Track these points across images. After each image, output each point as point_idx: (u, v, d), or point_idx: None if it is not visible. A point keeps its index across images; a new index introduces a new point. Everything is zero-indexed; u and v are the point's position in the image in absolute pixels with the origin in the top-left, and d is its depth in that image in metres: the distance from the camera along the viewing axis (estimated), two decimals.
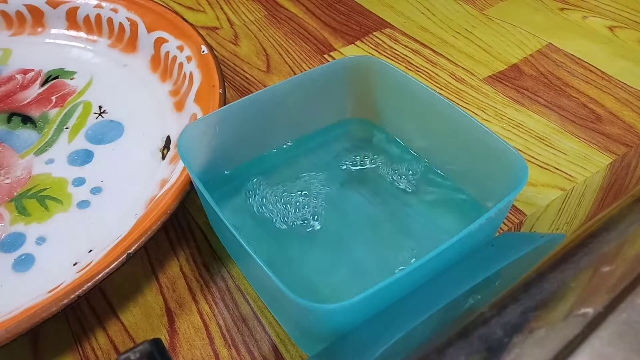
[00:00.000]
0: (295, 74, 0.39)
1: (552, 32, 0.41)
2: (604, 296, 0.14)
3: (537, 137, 0.33)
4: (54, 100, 0.37)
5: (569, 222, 0.29)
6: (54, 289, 0.25)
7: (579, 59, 0.39)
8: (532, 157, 0.32)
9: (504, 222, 0.29)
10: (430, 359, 0.14)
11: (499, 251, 0.22)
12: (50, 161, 0.33)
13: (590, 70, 0.38)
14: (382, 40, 0.42)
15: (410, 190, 0.29)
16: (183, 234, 0.30)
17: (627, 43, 0.40)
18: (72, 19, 0.42)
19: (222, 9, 0.47)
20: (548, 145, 0.33)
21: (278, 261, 0.26)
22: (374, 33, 0.43)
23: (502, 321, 0.14)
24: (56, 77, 0.39)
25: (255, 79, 0.39)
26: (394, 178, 0.30)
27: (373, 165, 0.31)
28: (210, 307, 0.26)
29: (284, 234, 0.27)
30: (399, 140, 0.31)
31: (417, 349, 0.15)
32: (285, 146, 0.31)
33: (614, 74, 0.38)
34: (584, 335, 0.13)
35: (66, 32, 0.42)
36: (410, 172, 0.30)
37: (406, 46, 0.41)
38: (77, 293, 0.23)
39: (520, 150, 0.31)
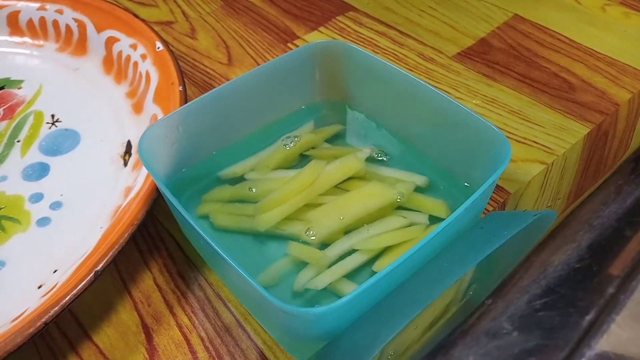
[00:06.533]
0: (258, 65, 0.38)
1: (516, 3, 0.41)
2: (612, 275, 0.13)
3: (512, 111, 0.33)
4: (1, 112, 0.35)
5: (553, 196, 0.29)
6: (18, 317, 0.24)
7: (546, 28, 0.38)
8: (509, 132, 0.32)
9: (488, 203, 0.28)
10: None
11: (489, 233, 0.22)
12: (3, 178, 0.31)
13: (559, 39, 0.38)
14: (346, 25, 0.40)
15: (388, 172, 0.28)
16: (154, 244, 0.28)
17: (591, 10, 0.40)
18: (14, 24, 0.39)
19: (175, 1, 0.45)
20: (524, 119, 0.32)
21: (258, 262, 0.25)
22: (337, 17, 0.41)
23: (508, 313, 0.13)
24: (2, 88, 0.37)
25: (217, 73, 0.38)
26: (370, 160, 0.28)
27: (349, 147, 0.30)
28: (189, 319, 0.25)
29: (262, 232, 0.26)
30: (373, 121, 0.30)
31: (422, 349, 0.14)
32: (253, 137, 0.30)
33: (581, 41, 0.37)
34: (599, 320, 0.12)
35: (9, 38, 0.40)
36: (387, 153, 0.29)
37: (371, 28, 0.40)
38: (43, 320, 0.22)
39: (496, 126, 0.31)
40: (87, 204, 0.29)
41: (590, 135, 0.31)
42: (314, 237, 0.25)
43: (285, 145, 0.29)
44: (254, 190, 0.27)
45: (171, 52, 0.33)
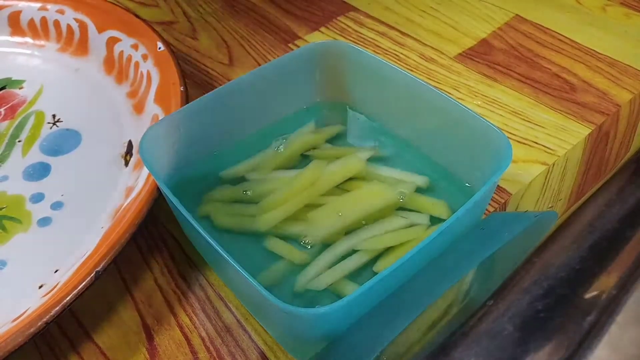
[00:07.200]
0: (259, 65, 0.38)
1: (517, 4, 0.41)
2: (613, 276, 0.13)
3: (513, 112, 0.33)
4: (2, 112, 0.35)
5: (554, 197, 0.29)
6: (19, 316, 0.24)
7: (547, 28, 0.38)
8: (510, 132, 0.32)
9: (489, 203, 0.28)
10: None
11: (490, 234, 0.22)
12: (4, 178, 0.31)
13: (560, 40, 0.37)
14: (347, 25, 0.40)
15: (389, 173, 0.28)
16: (155, 244, 0.28)
17: (592, 10, 0.40)
18: (15, 24, 0.39)
19: (176, 1, 0.45)
20: (525, 120, 0.32)
21: (258, 262, 0.25)
22: (338, 18, 0.41)
23: (509, 314, 0.13)
24: (3, 88, 0.37)
25: (218, 74, 0.38)
26: (371, 160, 0.28)
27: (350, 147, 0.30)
28: (190, 319, 0.25)
29: (263, 232, 0.26)
30: (374, 121, 0.30)
31: (423, 350, 0.14)
32: (254, 137, 0.30)
33: (582, 41, 0.37)
34: (600, 322, 0.12)
35: (10, 38, 0.39)
36: (388, 154, 0.29)
37: (372, 29, 0.40)
38: (44, 320, 0.22)
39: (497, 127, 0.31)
40: (88, 204, 0.29)
41: (592, 136, 0.31)
42: (309, 247, 0.25)
43: (276, 147, 0.29)
44: (248, 193, 0.27)
45: (172, 52, 0.33)
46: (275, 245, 0.25)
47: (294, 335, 0.21)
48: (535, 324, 0.13)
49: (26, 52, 0.39)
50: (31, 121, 0.34)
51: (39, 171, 0.31)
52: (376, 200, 0.26)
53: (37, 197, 0.30)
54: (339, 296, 0.23)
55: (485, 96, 0.34)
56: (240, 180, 0.28)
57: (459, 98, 0.34)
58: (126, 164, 0.31)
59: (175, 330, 0.25)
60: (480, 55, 0.37)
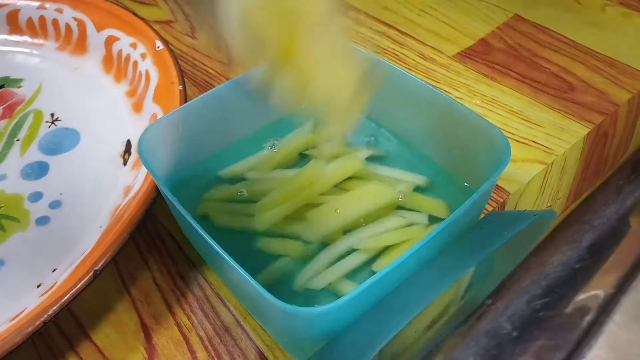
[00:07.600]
0: None
1: (516, 3, 0.41)
2: (612, 276, 0.13)
3: (512, 111, 0.33)
4: (1, 111, 0.35)
5: (552, 196, 0.29)
6: (17, 316, 0.24)
7: (546, 28, 0.38)
8: (509, 132, 0.32)
9: (488, 202, 0.28)
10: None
11: (489, 233, 0.22)
12: (2, 177, 0.31)
13: (559, 39, 0.37)
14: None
15: (388, 172, 0.28)
16: (153, 243, 0.28)
17: (591, 10, 0.40)
18: (13, 22, 0.39)
19: (175, 1, 0.45)
20: (524, 119, 0.32)
21: (257, 262, 0.25)
22: None
23: (508, 313, 0.13)
24: (1, 86, 0.37)
25: (217, 73, 0.38)
26: (370, 160, 0.28)
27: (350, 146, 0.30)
28: (189, 318, 0.25)
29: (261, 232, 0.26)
30: (373, 121, 0.30)
31: (421, 349, 0.14)
32: (253, 136, 0.30)
33: (581, 41, 0.37)
34: (599, 321, 0.12)
35: (8, 37, 0.39)
36: (387, 153, 0.29)
37: (371, 28, 0.40)
38: (42, 319, 0.22)
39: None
40: (86, 203, 0.29)
41: (590, 136, 0.31)
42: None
43: (269, 149, 0.29)
44: (244, 193, 0.27)
45: (171, 51, 0.33)
46: (269, 245, 0.25)
47: (293, 335, 0.21)
48: (534, 323, 0.13)
49: (25, 51, 0.39)
50: (29, 120, 0.34)
51: (37, 170, 0.31)
52: (375, 200, 0.26)
53: (36, 196, 0.30)
54: (338, 295, 0.23)
55: (484, 95, 0.34)
56: (239, 179, 0.28)
57: (458, 97, 0.34)
58: (125, 163, 0.31)
59: (174, 329, 0.25)
60: (479, 55, 0.37)
